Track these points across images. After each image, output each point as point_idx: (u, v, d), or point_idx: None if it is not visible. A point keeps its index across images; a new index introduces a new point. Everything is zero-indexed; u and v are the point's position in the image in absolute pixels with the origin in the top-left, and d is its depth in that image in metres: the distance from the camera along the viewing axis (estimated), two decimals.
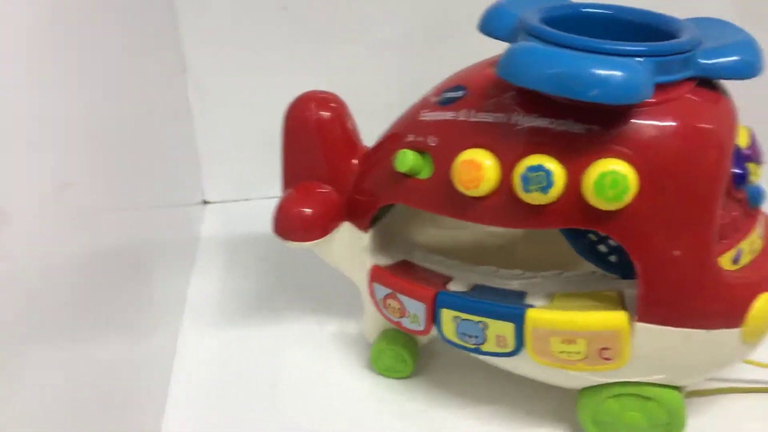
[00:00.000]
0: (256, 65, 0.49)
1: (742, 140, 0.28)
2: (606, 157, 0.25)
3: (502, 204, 0.27)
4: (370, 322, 0.37)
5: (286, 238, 0.33)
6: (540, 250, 0.37)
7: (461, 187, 0.27)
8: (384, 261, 0.34)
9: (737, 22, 0.29)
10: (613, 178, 0.25)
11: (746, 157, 0.28)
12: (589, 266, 0.32)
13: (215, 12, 0.47)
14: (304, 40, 0.49)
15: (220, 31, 0.48)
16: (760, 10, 0.48)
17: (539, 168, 0.26)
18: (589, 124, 0.26)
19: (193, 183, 0.52)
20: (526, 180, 0.26)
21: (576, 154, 0.26)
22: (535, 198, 0.26)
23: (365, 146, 0.34)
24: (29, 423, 0.21)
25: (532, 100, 0.26)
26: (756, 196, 0.28)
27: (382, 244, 0.35)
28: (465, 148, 0.27)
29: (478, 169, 0.27)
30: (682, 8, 0.30)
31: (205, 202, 0.54)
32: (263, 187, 0.50)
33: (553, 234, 0.37)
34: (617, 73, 0.23)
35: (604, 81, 0.23)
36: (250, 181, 0.53)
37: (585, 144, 0.25)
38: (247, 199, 0.54)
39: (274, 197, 0.34)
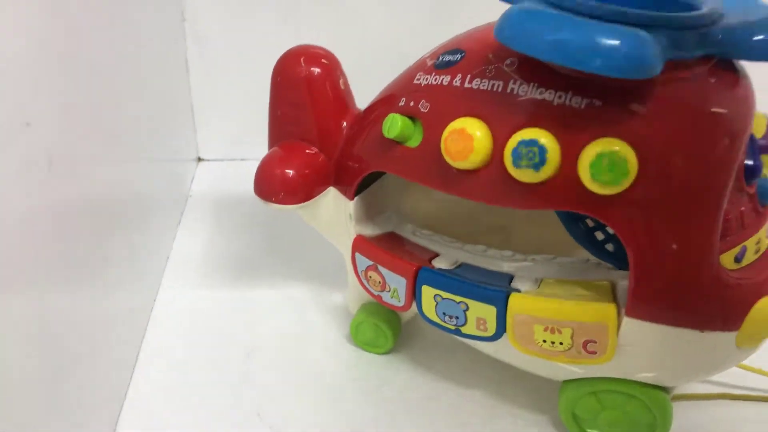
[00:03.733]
0: (259, 18, 0.47)
1: (758, 129, 0.26)
2: (606, 136, 0.23)
3: (492, 179, 0.25)
4: (353, 293, 0.35)
5: (267, 200, 0.31)
6: (539, 232, 0.35)
7: (449, 158, 0.25)
8: (370, 231, 0.33)
9: None
10: (611, 159, 0.23)
11: (761, 148, 0.25)
12: (585, 253, 0.30)
13: None
14: None
15: None
16: None
17: (532, 143, 0.24)
18: (590, 99, 0.23)
19: (188, 139, 0.51)
20: (517, 155, 0.24)
21: (574, 130, 0.23)
22: (526, 175, 0.24)
23: (357, 108, 0.32)
24: None
25: (532, 69, 0.24)
26: (767, 192, 0.26)
27: (369, 214, 0.33)
28: (457, 117, 0.25)
29: (468, 140, 0.25)
30: None
31: (200, 159, 0.53)
32: (260, 148, 0.48)
33: (550, 217, 0.35)
34: (624, 44, 0.21)
35: (609, 52, 0.21)
36: (247, 141, 0.51)
37: (585, 120, 0.23)
38: (243, 159, 0.52)
39: None
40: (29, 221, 0.23)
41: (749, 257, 0.26)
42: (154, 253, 0.40)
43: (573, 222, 0.29)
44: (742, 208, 0.25)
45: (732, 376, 0.33)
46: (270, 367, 0.34)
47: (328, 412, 0.32)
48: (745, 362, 0.32)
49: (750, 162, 0.25)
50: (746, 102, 0.25)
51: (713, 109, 0.24)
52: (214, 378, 0.33)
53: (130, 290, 0.35)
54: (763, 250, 0.26)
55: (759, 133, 0.26)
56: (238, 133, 0.52)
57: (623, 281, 0.27)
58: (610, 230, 0.29)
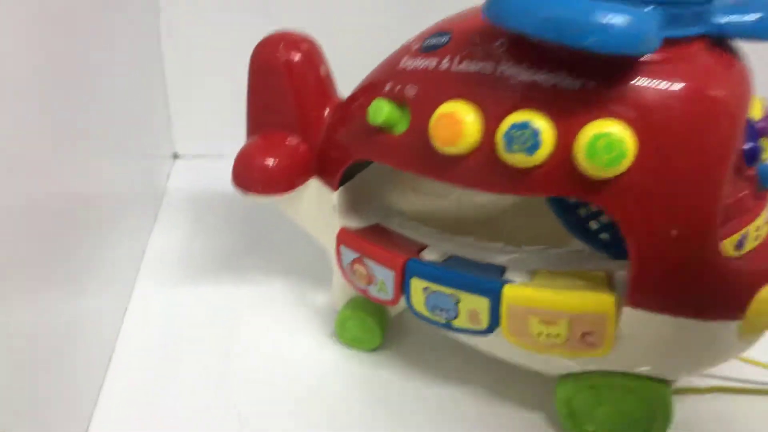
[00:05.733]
0: (236, 7, 0.46)
1: (756, 112, 0.25)
2: (602, 117, 0.22)
3: (483, 165, 0.24)
4: (338, 288, 0.34)
5: (247, 191, 0.30)
6: (526, 225, 0.34)
7: (438, 144, 0.24)
8: (354, 223, 0.31)
9: None
10: (608, 141, 0.22)
11: (760, 131, 0.25)
12: (577, 244, 0.29)
13: None
14: None
15: None
16: None
17: (525, 125, 0.22)
18: (585, 79, 0.22)
19: (164, 135, 0.49)
20: (510, 138, 0.23)
21: (569, 112, 0.22)
22: (519, 159, 0.23)
23: (340, 96, 0.31)
24: None
25: (523, 49, 0.23)
26: (766, 176, 0.25)
27: (354, 205, 0.32)
28: (445, 101, 0.24)
29: (458, 124, 0.24)
30: None
31: (176, 156, 0.51)
32: (237, 143, 0.47)
33: (540, 208, 0.34)
34: (619, 19, 0.20)
35: (603, 27, 0.20)
36: (225, 137, 0.49)
37: (580, 102, 0.22)
38: (220, 155, 0.50)
39: None
40: None
41: (750, 243, 0.25)
42: (128, 252, 0.38)
43: (566, 211, 0.28)
44: (743, 193, 0.24)
45: (731, 369, 0.33)
46: (250, 366, 0.33)
47: (311, 412, 0.30)
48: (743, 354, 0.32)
49: (749, 145, 0.24)
50: (743, 83, 0.24)
51: (710, 90, 0.23)
52: (192, 379, 0.32)
53: (102, 290, 0.33)
54: (763, 236, 0.26)
55: (757, 116, 0.25)
56: (216, 129, 0.50)
57: (620, 271, 0.26)
58: (605, 219, 0.28)
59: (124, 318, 0.35)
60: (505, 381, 0.32)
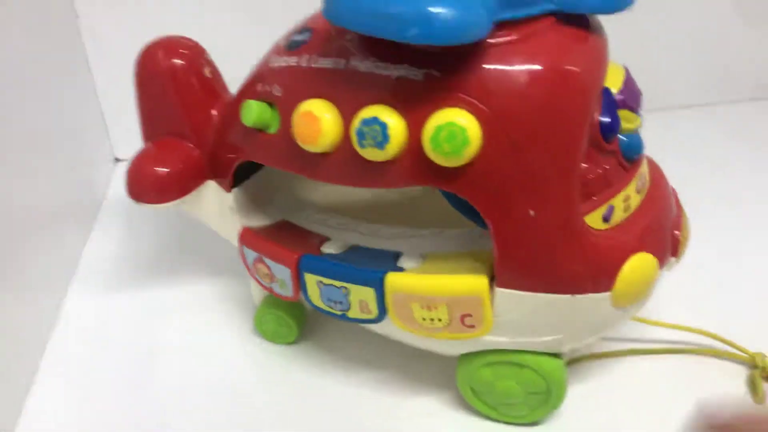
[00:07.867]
0: (155, 8, 0.46)
1: (613, 83, 0.25)
2: (447, 106, 0.22)
3: (344, 161, 0.24)
4: (255, 285, 0.34)
5: (139, 200, 0.30)
6: (442, 204, 0.34)
7: (301, 142, 0.25)
8: (258, 222, 0.32)
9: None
10: (449, 130, 0.22)
11: (618, 102, 0.25)
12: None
13: None
14: None
15: None
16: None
17: (374, 121, 0.23)
18: (429, 69, 0.22)
19: (101, 140, 0.50)
20: (361, 134, 0.23)
21: (415, 104, 0.23)
22: (372, 154, 0.23)
23: (231, 95, 0.31)
24: None
25: (370, 43, 0.23)
26: (630, 147, 0.25)
27: (257, 203, 0.32)
28: (305, 99, 0.25)
29: (316, 122, 0.24)
30: None
31: (117, 160, 0.51)
32: None
33: None
34: (440, 10, 0.20)
35: (424, 19, 0.20)
36: None
37: (424, 92, 0.23)
38: None
39: None
40: None
41: (618, 215, 0.25)
42: (61, 260, 0.39)
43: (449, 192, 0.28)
44: (606, 167, 0.25)
45: (639, 331, 0.33)
46: (175, 366, 0.33)
47: (233, 407, 0.31)
48: (650, 315, 0.32)
49: (606, 119, 0.24)
50: (595, 56, 0.24)
51: (557, 66, 0.23)
52: (116, 382, 0.33)
53: (32, 299, 0.34)
54: (633, 207, 0.26)
55: (616, 87, 0.25)
56: None
57: None
58: None
59: (54, 325, 0.36)
60: (419, 361, 0.32)
